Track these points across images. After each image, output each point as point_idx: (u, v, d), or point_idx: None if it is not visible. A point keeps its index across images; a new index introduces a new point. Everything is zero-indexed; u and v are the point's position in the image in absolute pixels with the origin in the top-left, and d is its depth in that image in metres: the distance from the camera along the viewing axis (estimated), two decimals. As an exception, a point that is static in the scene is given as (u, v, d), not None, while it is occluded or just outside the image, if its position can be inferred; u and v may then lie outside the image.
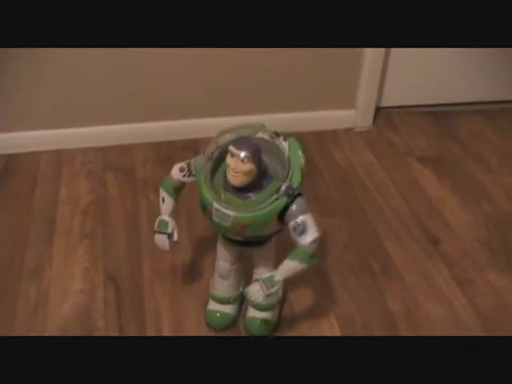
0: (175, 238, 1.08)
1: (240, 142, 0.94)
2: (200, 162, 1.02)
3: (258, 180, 0.97)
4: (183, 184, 1.07)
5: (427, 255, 1.36)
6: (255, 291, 0.99)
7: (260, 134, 0.99)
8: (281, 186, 0.95)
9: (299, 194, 0.97)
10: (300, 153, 0.99)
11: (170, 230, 1.07)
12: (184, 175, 1.05)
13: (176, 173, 1.06)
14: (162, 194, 1.08)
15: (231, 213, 0.96)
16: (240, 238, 1.03)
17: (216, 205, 0.97)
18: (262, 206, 0.95)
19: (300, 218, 0.96)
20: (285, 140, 1.00)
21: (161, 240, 1.08)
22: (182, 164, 1.06)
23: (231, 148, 0.94)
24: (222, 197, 0.97)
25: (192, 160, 1.05)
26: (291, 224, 0.97)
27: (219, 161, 1.00)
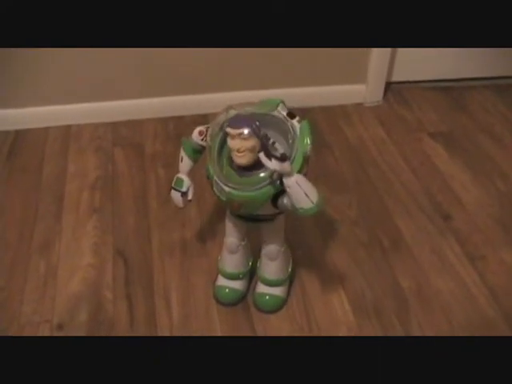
0: (189, 196, 1.09)
1: (235, 121, 0.91)
2: (216, 129, 0.98)
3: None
4: (202, 147, 1.05)
5: (438, 231, 1.33)
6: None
7: (275, 113, 0.96)
8: (275, 171, 0.91)
9: None
10: (307, 139, 0.93)
11: (184, 189, 1.08)
12: (202, 139, 1.04)
13: (196, 135, 1.05)
14: (182, 153, 1.08)
15: (227, 189, 0.94)
16: (241, 214, 1.01)
17: (216, 177, 0.95)
18: (255, 187, 0.92)
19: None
20: (299, 122, 0.95)
21: (175, 196, 1.10)
22: (202, 127, 1.05)
23: (229, 130, 0.90)
24: (224, 171, 0.95)
25: (211, 124, 1.01)
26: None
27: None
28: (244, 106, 0.96)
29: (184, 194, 1.09)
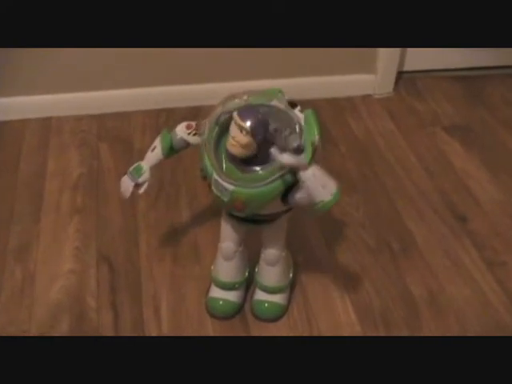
0: (141, 190, 1.07)
1: (244, 112, 0.90)
2: (212, 122, 0.97)
3: (267, 152, 0.92)
4: (184, 144, 1.04)
5: (453, 234, 1.32)
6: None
7: (274, 102, 0.95)
8: (290, 166, 0.90)
9: None
10: (315, 128, 0.93)
11: (140, 180, 1.06)
12: (189, 133, 1.03)
13: (182, 129, 1.04)
14: (157, 143, 1.06)
15: (230, 187, 0.92)
16: (241, 215, 1.00)
17: (215, 175, 0.94)
18: (264, 182, 0.91)
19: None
20: (301, 111, 0.95)
21: (126, 184, 1.08)
22: (191, 122, 1.04)
23: (235, 115, 0.90)
24: (224, 167, 0.94)
25: (203, 121, 1.00)
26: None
27: (226, 127, 0.95)
28: (243, 95, 0.95)
29: (136, 186, 1.07)
